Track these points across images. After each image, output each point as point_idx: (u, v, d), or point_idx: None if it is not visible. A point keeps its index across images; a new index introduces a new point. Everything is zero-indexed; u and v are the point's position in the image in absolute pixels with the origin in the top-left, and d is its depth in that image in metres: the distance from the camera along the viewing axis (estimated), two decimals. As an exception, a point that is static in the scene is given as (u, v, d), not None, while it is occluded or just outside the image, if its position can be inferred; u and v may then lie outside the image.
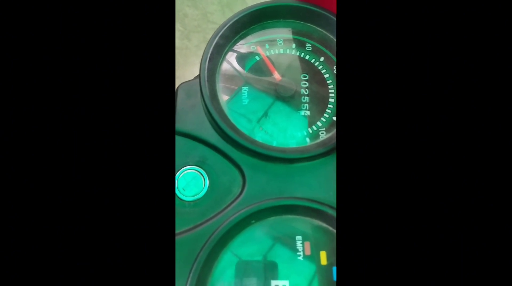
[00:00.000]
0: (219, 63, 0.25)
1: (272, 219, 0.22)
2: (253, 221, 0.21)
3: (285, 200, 0.21)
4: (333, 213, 0.21)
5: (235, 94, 0.25)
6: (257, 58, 0.26)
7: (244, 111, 0.25)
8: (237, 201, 0.22)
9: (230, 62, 0.26)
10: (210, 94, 0.23)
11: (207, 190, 0.23)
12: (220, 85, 0.25)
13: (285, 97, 0.25)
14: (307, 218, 0.22)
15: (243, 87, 0.25)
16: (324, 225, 0.22)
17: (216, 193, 0.23)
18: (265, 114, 0.25)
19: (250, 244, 0.22)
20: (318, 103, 0.25)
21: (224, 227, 0.20)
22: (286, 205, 0.21)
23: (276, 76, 0.26)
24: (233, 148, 0.23)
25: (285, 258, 0.22)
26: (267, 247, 0.22)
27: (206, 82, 0.23)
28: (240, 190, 0.23)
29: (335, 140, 0.23)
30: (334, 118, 0.25)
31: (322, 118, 0.25)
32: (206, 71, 0.23)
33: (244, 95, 0.25)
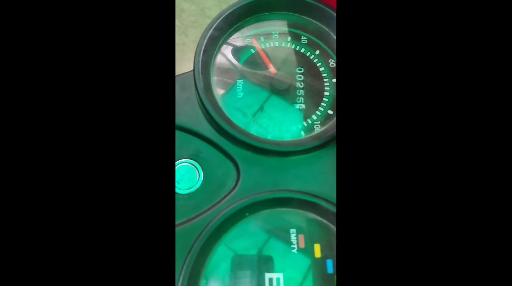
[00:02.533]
0: (214, 55, 0.25)
1: (267, 212, 0.22)
2: (247, 214, 0.21)
3: (279, 193, 0.21)
4: (327, 206, 0.21)
5: (230, 88, 0.25)
6: (252, 51, 0.26)
7: (239, 104, 0.25)
8: (232, 194, 0.22)
9: (225, 55, 0.26)
10: (204, 87, 0.23)
11: (201, 183, 0.23)
12: (214, 79, 0.25)
13: (280, 90, 0.25)
14: (302, 211, 0.22)
15: (238, 81, 0.25)
16: (319, 218, 0.22)
17: (210, 186, 0.23)
18: (261, 108, 0.25)
19: (245, 237, 0.22)
20: (313, 97, 0.25)
21: (218, 220, 0.20)
22: (281, 198, 0.21)
23: (271, 69, 0.25)
24: (227, 141, 0.23)
25: (279, 251, 0.22)
26: (262, 240, 0.22)
27: (200, 75, 0.23)
28: (234, 183, 0.23)
29: (330, 133, 0.23)
30: (329, 112, 0.25)
31: (317, 112, 0.25)
32: (200, 64, 0.23)
33: (239, 89, 0.25)
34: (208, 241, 0.20)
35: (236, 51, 0.26)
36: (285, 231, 0.22)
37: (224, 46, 0.26)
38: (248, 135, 0.23)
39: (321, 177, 0.22)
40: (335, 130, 0.23)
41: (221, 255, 0.21)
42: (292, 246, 0.22)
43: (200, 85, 0.22)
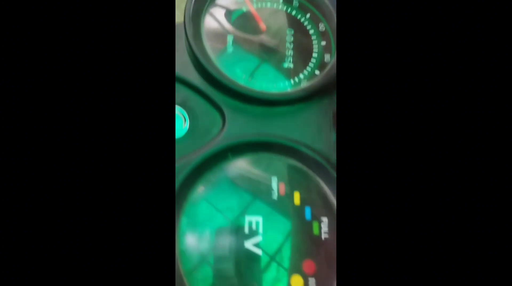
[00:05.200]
0: (205, 5, 0.25)
1: (248, 158, 0.22)
2: (229, 154, 0.22)
3: (262, 137, 0.22)
4: (307, 152, 0.21)
5: (221, 53, 0.26)
6: (244, 9, 0.26)
7: (230, 66, 0.25)
8: (215, 140, 0.22)
9: (216, 16, 0.26)
10: (194, 34, 0.23)
11: (187, 131, 0.23)
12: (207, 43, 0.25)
13: (270, 48, 0.26)
14: (283, 157, 0.22)
15: (228, 45, 0.26)
16: (299, 164, 0.22)
17: (195, 133, 0.23)
18: (251, 75, 0.26)
19: (225, 182, 0.22)
20: (302, 57, 0.26)
21: (201, 156, 0.21)
22: (263, 142, 0.22)
23: (262, 26, 0.26)
24: (214, 89, 0.23)
25: (260, 197, 0.22)
26: (242, 185, 0.22)
27: (191, 22, 0.23)
28: (219, 131, 0.23)
29: (315, 87, 0.23)
30: (316, 72, 0.25)
31: (304, 71, 0.25)
32: (191, 11, 0.23)
33: (230, 49, 0.25)
34: (191, 177, 0.20)
35: (228, 10, 0.26)
36: (266, 178, 0.22)
37: (216, 7, 0.26)
38: (235, 83, 0.23)
39: (304, 128, 0.23)
40: (320, 84, 0.23)
41: (200, 210, 0.21)
42: (273, 192, 0.22)
43: (190, 31, 0.23)
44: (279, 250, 0.21)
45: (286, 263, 0.21)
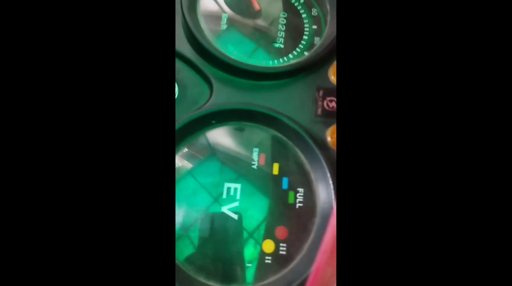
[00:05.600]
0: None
1: (232, 128, 0.23)
2: (213, 122, 0.23)
3: (245, 105, 0.23)
4: (289, 122, 0.22)
5: (215, 30, 0.27)
6: (240, -10, 0.27)
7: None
8: (201, 108, 0.23)
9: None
10: (189, 8, 0.24)
11: (175, 100, 0.24)
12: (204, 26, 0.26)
13: (263, 27, 0.27)
14: (265, 127, 0.23)
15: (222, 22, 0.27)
16: (280, 135, 0.23)
17: (183, 103, 0.24)
18: (246, 55, 0.27)
19: (205, 155, 0.23)
20: (293, 38, 0.27)
21: (185, 119, 0.22)
22: (247, 110, 0.23)
23: (256, 6, 0.27)
24: (205, 61, 0.24)
25: (240, 166, 0.23)
26: (224, 155, 0.23)
27: (187, -5, 0.24)
28: (206, 102, 0.24)
29: (301, 63, 0.24)
30: (305, 53, 0.26)
31: (294, 52, 0.26)
32: (187, -15, 0.24)
33: (224, 28, 0.26)
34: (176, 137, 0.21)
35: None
36: (248, 148, 0.23)
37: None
38: (224, 54, 0.24)
39: (288, 102, 0.24)
40: (306, 60, 0.24)
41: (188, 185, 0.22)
42: (253, 162, 0.23)
43: (185, 4, 0.24)
44: (255, 218, 0.22)
45: (261, 229, 0.22)
